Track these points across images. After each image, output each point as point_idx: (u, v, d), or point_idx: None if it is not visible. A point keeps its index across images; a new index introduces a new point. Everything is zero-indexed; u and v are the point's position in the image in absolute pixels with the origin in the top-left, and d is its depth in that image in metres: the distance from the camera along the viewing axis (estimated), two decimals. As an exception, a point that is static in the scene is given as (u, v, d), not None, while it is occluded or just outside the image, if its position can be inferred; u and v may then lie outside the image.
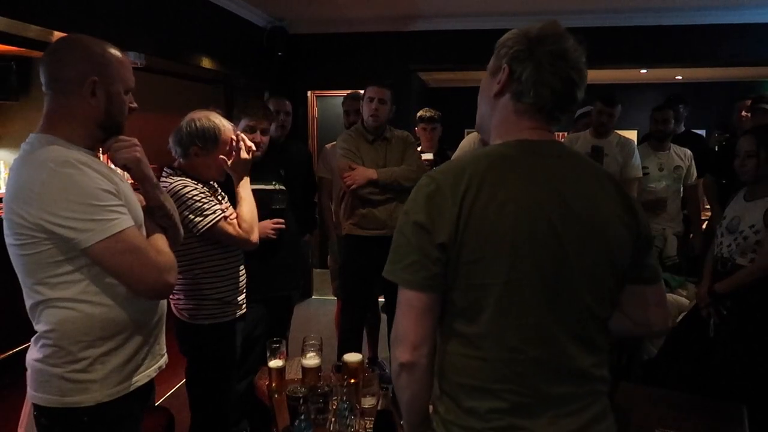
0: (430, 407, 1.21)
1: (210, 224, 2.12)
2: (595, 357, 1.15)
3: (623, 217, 1.13)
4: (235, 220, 2.21)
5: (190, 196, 2.12)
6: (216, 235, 2.16)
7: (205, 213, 2.12)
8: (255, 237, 2.25)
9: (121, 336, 1.46)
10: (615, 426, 1.20)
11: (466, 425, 1.13)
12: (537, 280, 1.07)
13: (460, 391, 1.13)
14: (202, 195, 2.15)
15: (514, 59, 1.13)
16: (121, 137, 1.52)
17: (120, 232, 1.37)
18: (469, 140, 3.31)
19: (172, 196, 2.08)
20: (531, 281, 1.07)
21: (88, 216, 1.33)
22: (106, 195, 1.37)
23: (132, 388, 1.49)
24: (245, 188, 2.27)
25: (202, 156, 2.18)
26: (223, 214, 2.16)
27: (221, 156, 2.21)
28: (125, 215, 1.40)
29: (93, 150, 1.49)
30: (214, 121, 2.18)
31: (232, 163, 2.21)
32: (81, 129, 1.44)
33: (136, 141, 1.54)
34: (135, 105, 1.53)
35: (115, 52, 1.48)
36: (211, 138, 2.16)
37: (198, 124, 2.16)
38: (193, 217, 2.11)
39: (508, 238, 1.06)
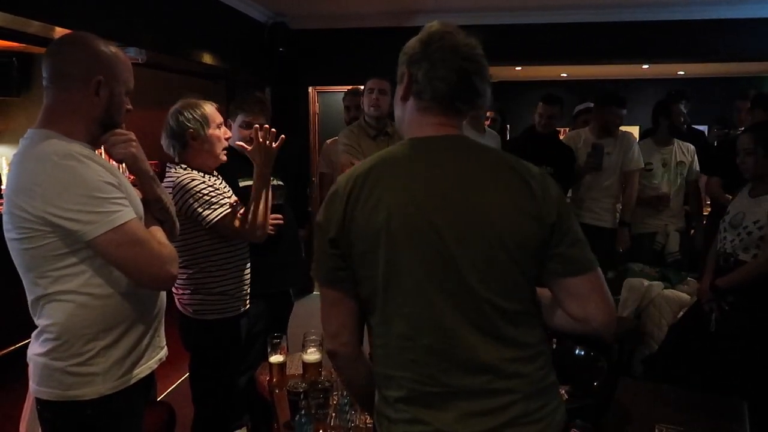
0: None
1: (219, 217, 2.13)
2: (513, 352, 1.13)
3: (525, 208, 1.13)
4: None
5: (198, 189, 2.12)
6: (224, 229, 2.16)
7: (213, 206, 2.12)
8: (263, 231, 2.25)
9: (122, 328, 1.47)
10: (555, 427, 1.16)
11: (385, 414, 1.19)
12: (418, 271, 1.12)
13: (379, 380, 1.21)
14: (211, 188, 2.15)
15: (411, 63, 1.21)
16: (117, 131, 1.52)
17: (123, 224, 1.38)
18: None
19: (179, 190, 2.09)
20: (411, 273, 1.12)
21: (92, 208, 1.34)
22: (109, 187, 1.38)
23: (134, 380, 1.51)
24: (263, 181, 2.22)
25: (199, 140, 2.18)
26: (232, 208, 2.16)
27: (239, 143, 2.24)
28: (128, 207, 1.42)
29: (94, 144, 1.50)
30: (190, 102, 2.21)
31: (252, 149, 2.20)
32: (80, 125, 1.45)
33: (132, 135, 1.55)
34: (130, 107, 1.54)
35: (121, 53, 1.50)
36: (197, 115, 2.18)
37: (179, 109, 2.19)
38: (201, 210, 2.11)
39: (382, 233, 1.12)
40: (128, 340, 1.49)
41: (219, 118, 2.26)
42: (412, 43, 1.22)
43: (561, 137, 4.17)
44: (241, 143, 2.34)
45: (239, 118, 2.57)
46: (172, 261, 1.50)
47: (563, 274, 1.16)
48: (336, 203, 1.16)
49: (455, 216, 1.12)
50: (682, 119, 3.86)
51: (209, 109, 2.23)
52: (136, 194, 1.56)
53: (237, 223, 2.17)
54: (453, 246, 1.10)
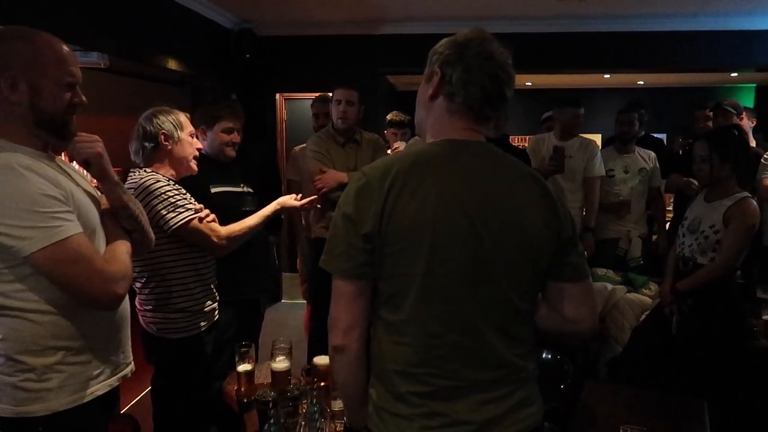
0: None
1: (183, 221, 2.04)
2: (519, 348, 1.23)
3: (545, 216, 1.21)
4: (213, 223, 2.15)
5: (163, 191, 2.03)
6: (188, 235, 2.08)
7: (178, 209, 2.04)
8: (230, 247, 2.21)
9: (76, 344, 1.42)
10: (542, 411, 1.27)
11: (395, 411, 1.20)
12: (455, 271, 1.15)
13: (389, 377, 1.21)
14: (176, 191, 2.08)
15: (445, 63, 1.22)
16: (82, 134, 1.47)
17: (64, 239, 1.32)
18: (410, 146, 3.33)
19: (142, 191, 2.01)
20: (449, 272, 1.15)
21: (29, 223, 1.29)
22: (50, 201, 1.32)
23: (91, 397, 1.46)
24: (273, 210, 2.35)
25: (171, 141, 2.13)
26: (198, 214, 2.09)
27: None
28: (71, 222, 1.35)
29: (45, 151, 1.44)
30: (165, 108, 2.17)
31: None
32: (19, 128, 1.39)
33: (97, 137, 1.50)
34: (82, 99, 1.44)
35: (52, 43, 1.39)
36: (171, 119, 2.14)
37: (153, 112, 2.14)
38: (165, 212, 2.02)
39: (427, 231, 1.14)
40: (83, 356, 1.44)
41: (191, 128, 2.23)
42: (446, 44, 1.24)
43: (526, 145, 4.23)
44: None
45: (220, 125, 2.55)
46: (119, 280, 1.43)
47: (567, 279, 1.26)
48: (372, 196, 1.15)
49: (494, 221, 1.17)
50: (627, 129, 3.99)
51: (183, 116, 2.21)
52: (91, 206, 1.50)
53: (203, 229, 2.10)
54: (490, 249, 1.16)
